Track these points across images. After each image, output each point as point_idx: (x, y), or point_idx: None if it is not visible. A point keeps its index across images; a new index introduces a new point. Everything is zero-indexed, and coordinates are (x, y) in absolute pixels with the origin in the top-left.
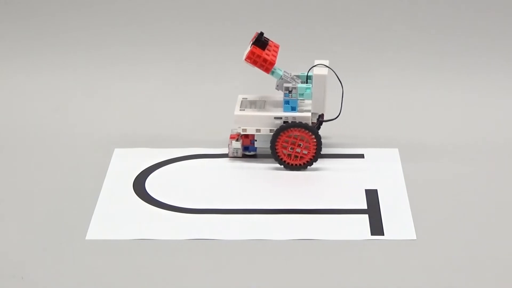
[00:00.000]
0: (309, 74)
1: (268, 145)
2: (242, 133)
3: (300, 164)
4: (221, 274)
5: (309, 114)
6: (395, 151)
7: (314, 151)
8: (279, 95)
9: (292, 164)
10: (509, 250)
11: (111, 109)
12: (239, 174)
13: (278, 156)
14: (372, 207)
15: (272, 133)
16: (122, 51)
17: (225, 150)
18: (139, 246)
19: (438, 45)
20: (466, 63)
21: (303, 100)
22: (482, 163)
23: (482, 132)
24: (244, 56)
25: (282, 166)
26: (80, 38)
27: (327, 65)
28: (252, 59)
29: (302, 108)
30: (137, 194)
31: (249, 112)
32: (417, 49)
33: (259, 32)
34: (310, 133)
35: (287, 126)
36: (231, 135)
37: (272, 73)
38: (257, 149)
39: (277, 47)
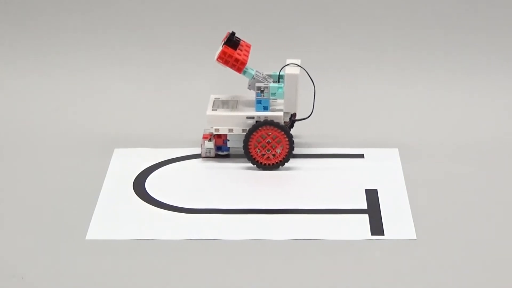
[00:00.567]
0: (281, 73)
1: (241, 144)
2: (214, 133)
3: (273, 164)
4: (221, 274)
5: (281, 113)
6: (395, 151)
7: (286, 151)
8: (251, 95)
9: (265, 164)
10: (509, 250)
11: (111, 109)
12: (239, 174)
13: (251, 156)
14: (372, 207)
15: (244, 133)
16: (122, 51)
17: (198, 150)
18: (139, 246)
19: (438, 45)
20: (466, 63)
21: (275, 99)
22: (482, 163)
23: (482, 132)
24: (216, 56)
25: (255, 166)
26: (80, 38)
27: (299, 64)
28: (224, 59)
29: (274, 107)
30: (137, 194)
31: (221, 112)
32: (418, 48)
33: (230, 31)
34: (283, 132)
35: (258, 125)
36: (203, 135)
37: (244, 72)
38: (230, 149)
39: (248, 46)
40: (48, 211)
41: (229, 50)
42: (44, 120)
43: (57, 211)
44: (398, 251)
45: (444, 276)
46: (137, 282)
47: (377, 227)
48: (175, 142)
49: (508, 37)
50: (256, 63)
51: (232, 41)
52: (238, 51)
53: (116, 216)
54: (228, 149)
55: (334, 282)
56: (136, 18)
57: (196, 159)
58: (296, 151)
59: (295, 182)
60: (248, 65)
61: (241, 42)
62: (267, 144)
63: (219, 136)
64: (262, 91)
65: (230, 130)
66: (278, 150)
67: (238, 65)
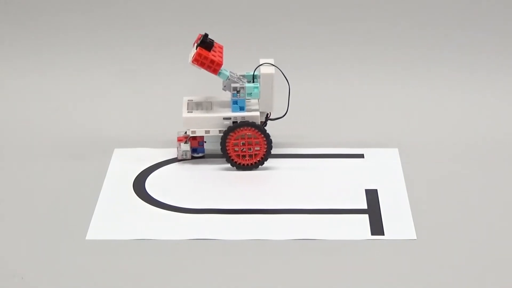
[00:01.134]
0: (255, 73)
1: (218, 146)
2: (191, 135)
3: (251, 164)
4: (221, 274)
5: (257, 113)
6: (395, 151)
7: (264, 150)
8: (224, 96)
9: (243, 164)
10: (510, 250)
11: (111, 109)
12: (238, 175)
13: (229, 157)
14: (372, 207)
15: (221, 134)
16: (122, 51)
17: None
18: (139, 246)
19: (438, 45)
20: (467, 63)
21: (249, 99)
22: (482, 163)
23: (482, 132)
24: (190, 59)
25: (234, 167)
26: (80, 38)
27: (273, 63)
28: (200, 61)
29: (249, 107)
30: (137, 194)
31: (197, 114)
32: (418, 48)
33: (203, 33)
34: (260, 132)
35: (236, 126)
36: (178, 137)
37: (219, 74)
38: (206, 151)
39: (221, 47)
40: (48, 211)
41: (204, 52)
42: (44, 120)
43: (57, 211)
44: (398, 251)
45: (444, 276)
46: (137, 282)
47: (377, 227)
48: (175, 142)
49: (508, 37)
50: (228, 63)
51: (206, 43)
52: (212, 52)
53: (116, 216)
54: (203, 150)
55: (334, 282)
56: (136, 19)
57: (196, 159)
58: (296, 151)
59: (295, 182)
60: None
61: (214, 44)
62: (245, 144)
63: (194, 138)
64: (238, 92)
65: (207, 132)
66: (257, 148)
67: (214, 67)
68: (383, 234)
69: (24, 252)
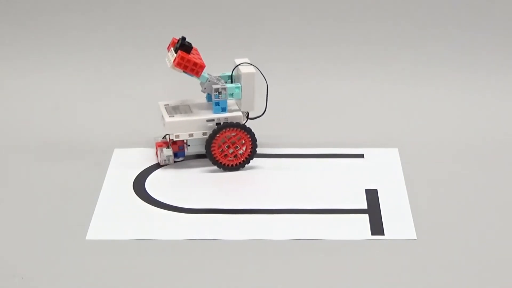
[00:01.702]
0: (234, 73)
1: (202, 149)
2: (175, 139)
3: (236, 164)
4: (221, 274)
5: (240, 113)
6: (395, 151)
7: (250, 150)
8: (199, 98)
9: (229, 165)
10: (509, 250)
11: (111, 109)
12: (238, 175)
13: (215, 158)
14: (372, 207)
15: (205, 136)
16: (123, 51)
17: None
18: (139, 246)
19: (438, 45)
20: (467, 63)
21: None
22: (482, 163)
23: (482, 132)
24: (170, 63)
25: (221, 168)
26: (80, 38)
27: (249, 62)
28: (183, 64)
29: (229, 108)
30: (137, 194)
31: (180, 118)
32: (418, 48)
33: (180, 37)
34: (246, 132)
35: (222, 127)
36: (157, 143)
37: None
38: (186, 153)
39: (196, 49)
40: (48, 211)
41: (186, 55)
42: (44, 120)
43: (57, 211)
44: (398, 251)
45: (444, 276)
46: (137, 282)
47: (377, 227)
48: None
49: (509, 36)
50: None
51: (185, 46)
52: (192, 55)
53: (116, 216)
54: (183, 154)
55: (334, 282)
56: (136, 19)
57: (196, 159)
58: (296, 151)
59: (295, 182)
60: None
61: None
62: (231, 145)
63: (174, 142)
64: (219, 93)
65: (191, 135)
66: (241, 152)
67: (197, 69)
68: (383, 234)
69: (24, 252)
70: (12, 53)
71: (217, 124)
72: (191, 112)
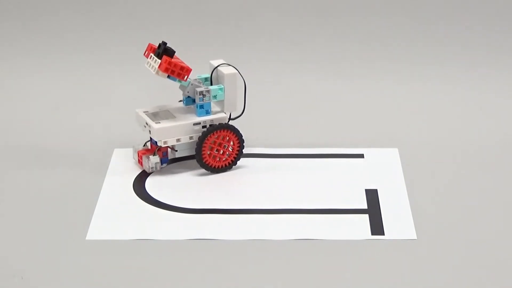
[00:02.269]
0: (218, 74)
1: (188, 153)
2: (163, 145)
3: (225, 165)
4: (221, 274)
5: (224, 114)
6: (395, 151)
7: (237, 150)
8: (173, 103)
9: (218, 167)
10: (510, 250)
11: (111, 109)
12: (238, 174)
13: (205, 161)
14: (372, 207)
15: (192, 140)
16: (123, 51)
17: None
18: (139, 246)
19: (439, 45)
20: (467, 63)
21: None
22: (482, 163)
23: (482, 132)
24: (155, 69)
25: (209, 171)
26: (80, 38)
27: (226, 63)
28: (170, 69)
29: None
30: (137, 194)
31: (167, 124)
32: (418, 48)
33: (161, 42)
34: (233, 133)
35: (212, 130)
36: (139, 151)
37: (180, 80)
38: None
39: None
40: (48, 211)
41: (172, 60)
42: (44, 120)
43: (57, 211)
44: (398, 251)
45: (444, 276)
46: (137, 282)
47: (377, 227)
48: None
49: (509, 37)
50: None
51: (169, 51)
52: (175, 59)
53: (116, 216)
54: (167, 160)
55: (334, 282)
56: (136, 19)
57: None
58: (295, 151)
59: (295, 182)
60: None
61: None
62: (219, 147)
63: (159, 149)
64: (204, 96)
65: (178, 140)
66: (227, 153)
67: (184, 73)
68: (383, 234)
69: (24, 252)
70: (12, 53)
71: (203, 127)
72: (174, 117)
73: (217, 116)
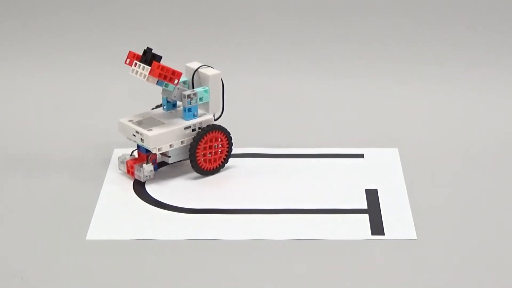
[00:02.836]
0: (199, 76)
1: (181, 157)
2: (158, 152)
3: (216, 166)
4: (221, 274)
5: (211, 116)
6: (395, 151)
7: (226, 151)
8: (155, 110)
9: (209, 169)
10: (510, 250)
11: (111, 109)
12: (238, 174)
13: (199, 164)
14: (372, 207)
15: (183, 145)
16: (123, 51)
17: None
18: (139, 246)
19: (439, 45)
20: (467, 63)
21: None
22: (482, 162)
23: (482, 132)
24: (145, 75)
25: (201, 173)
26: (80, 38)
27: (206, 64)
28: (163, 74)
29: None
30: (137, 194)
31: (159, 130)
32: (418, 48)
33: (146, 48)
34: (223, 133)
35: (205, 132)
36: (128, 161)
37: (167, 85)
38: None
39: None
40: (48, 211)
41: (162, 65)
42: (44, 120)
43: (57, 211)
44: (398, 251)
45: (444, 276)
46: (137, 282)
47: (377, 227)
48: None
49: (509, 37)
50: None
51: (157, 56)
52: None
53: (116, 216)
54: (156, 167)
55: (334, 282)
56: (136, 19)
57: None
58: (296, 151)
59: (295, 182)
60: None
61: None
62: (211, 148)
63: (150, 156)
64: (191, 99)
65: (171, 146)
66: (219, 152)
67: (175, 77)
68: (383, 234)
69: (24, 252)
70: (12, 53)
71: (193, 130)
72: (163, 123)
73: (205, 118)
